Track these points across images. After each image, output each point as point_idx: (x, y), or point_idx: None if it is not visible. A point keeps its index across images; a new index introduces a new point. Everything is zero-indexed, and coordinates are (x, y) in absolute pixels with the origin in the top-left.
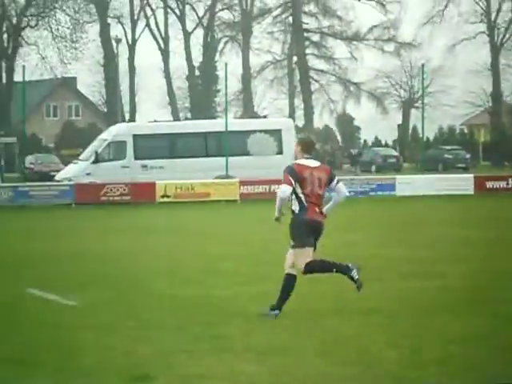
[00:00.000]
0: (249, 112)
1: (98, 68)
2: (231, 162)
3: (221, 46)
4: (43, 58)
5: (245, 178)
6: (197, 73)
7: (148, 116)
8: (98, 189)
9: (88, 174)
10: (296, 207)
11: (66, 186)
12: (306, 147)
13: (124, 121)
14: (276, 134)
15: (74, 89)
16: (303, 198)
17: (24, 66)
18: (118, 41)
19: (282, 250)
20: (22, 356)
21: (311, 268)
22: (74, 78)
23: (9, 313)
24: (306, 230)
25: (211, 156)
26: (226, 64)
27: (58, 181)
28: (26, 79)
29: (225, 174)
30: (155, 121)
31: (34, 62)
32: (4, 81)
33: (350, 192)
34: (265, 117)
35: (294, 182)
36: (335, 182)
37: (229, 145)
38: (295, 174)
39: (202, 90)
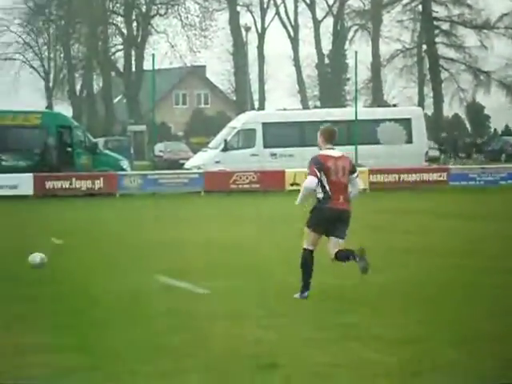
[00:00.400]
0: (378, 101)
1: (227, 56)
2: (360, 151)
3: (350, 34)
4: (172, 47)
5: (374, 167)
6: (326, 61)
7: (277, 104)
8: (228, 177)
9: (217, 162)
10: (321, 195)
11: (195, 174)
12: (328, 137)
13: (253, 109)
14: (405, 122)
15: (203, 77)
16: (328, 188)
17: (154, 55)
18: (248, 29)
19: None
20: (151, 341)
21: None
22: (204, 67)
23: (138, 300)
24: (323, 218)
25: (340, 144)
26: (355, 52)
27: (188, 169)
28: (156, 67)
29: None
30: (284, 109)
31: (164, 50)
32: (134, 69)
33: (480, 181)
34: (394, 105)
35: (319, 173)
36: (355, 174)
37: (358, 133)
38: (320, 165)
39: (331, 79)
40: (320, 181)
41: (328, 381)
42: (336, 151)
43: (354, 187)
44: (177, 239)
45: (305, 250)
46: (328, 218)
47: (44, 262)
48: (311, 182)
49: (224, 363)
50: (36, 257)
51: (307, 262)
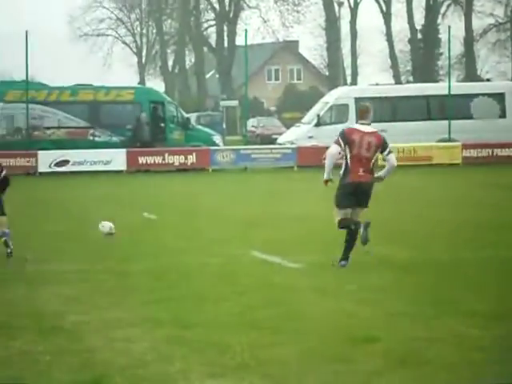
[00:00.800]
0: (471, 75)
1: (320, 31)
2: (453, 126)
3: (443, 9)
4: (265, 22)
5: (467, 142)
6: (419, 36)
7: (369, 79)
8: (320, 152)
9: (310, 137)
10: (342, 171)
11: (288, 150)
12: (361, 113)
13: (346, 84)
14: (499, 97)
15: (296, 52)
16: (349, 161)
17: (246, 30)
18: (340, 4)
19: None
20: (241, 317)
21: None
22: (296, 42)
23: (232, 274)
24: (345, 193)
25: (433, 119)
26: (449, 27)
27: (281, 144)
28: (248, 43)
29: (447, 138)
30: (377, 84)
31: (256, 25)
32: (226, 44)
33: None
34: (488, 80)
35: (343, 144)
36: (387, 151)
37: (451, 108)
38: (344, 137)
39: (424, 54)
40: (345, 155)
41: (425, 355)
42: (368, 127)
43: (388, 163)
44: (270, 214)
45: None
46: (350, 193)
47: (113, 232)
48: (333, 148)
49: (318, 337)
50: (106, 226)
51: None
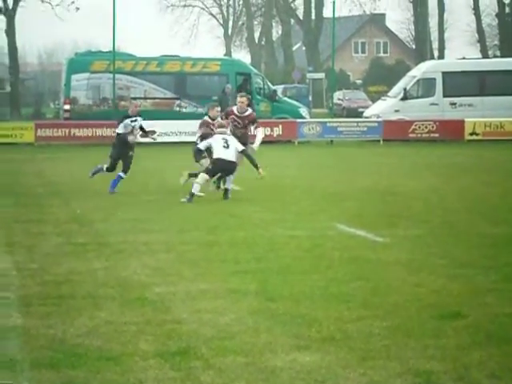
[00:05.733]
0: None
1: (407, 4)
2: None
3: None
4: None
5: None
6: (507, 10)
7: (457, 53)
8: (407, 126)
9: (396, 111)
10: None
11: (374, 123)
12: None
13: (432, 58)
14: None
15: (383, 25)
16: None
17: (334, 2)
18: None
19: None
20: (328, 290)
21: None
22: (383, 15)
23: (318, 248)
24: None
25: None
26: None
27: (367, 117)
28: (335, 15)
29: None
30: (464, 58)
31: None
32: (313, 17)
33: None
34: None
35: None
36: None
37: None
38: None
39: (511, 28)
40: None
41: (509, 331)
42: None
43: None
44: (356, 187)
45: None
46: None
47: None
48: None
49: (405, 312)
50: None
51: None
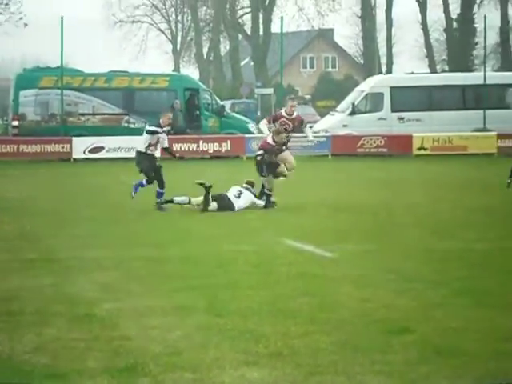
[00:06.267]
0: (507, 65)
1: (355, 20)
2: (489, 115)
3: None
4: (300, 10)
5: (503, 132)
6: (454, 25)
7: (405, 68)
8: (355, 140)
9: (345, 126)
10: None
11: (322, 138)
12: None
13: (381, 73)
14: None
15: (331, 40)
16: None
17: (282, 17)
18: None
19: None
20: (276, 306)
21: None
22: (332, 30)
23: (265, 263)
24: None
25: (469, 109)
26: (484, 16)
27: (315, 132)
28: (283, 31)
29: (482, 127)
30: (412, 73)
31: (291, 13)
32: (261, 32)
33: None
34: None
35: None
36: None
37: (486, 98)
38: None
39: (459, 43)
40: None
41: (460, 346)
42: None
43: None
44: (304, 202)
45: None
46: None
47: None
48: None
49: (352, 327)
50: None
51: None
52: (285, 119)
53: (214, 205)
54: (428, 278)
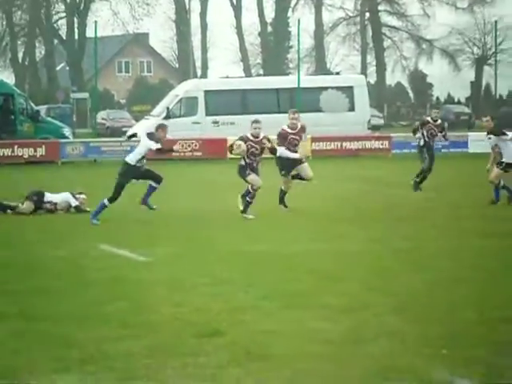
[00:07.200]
0: (321, 69)
1: (170, 24)
2: (303, 119)
3: (293, 2)
4: (115, 14)
5: (316, 135)
6: (269, 29)
7: (220, 72)
8: (170, 145)
9: None
10: None
11: (137, 142)
12: None
13: (196, 77)
14: (348, 90)
15: (146, 45)
16: None
17: (96, 22)
18: None
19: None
20: (88, 311)
21: None
22: (147, 34)
23: (79, 268)
24: None
25: (283, 112)
26: (298, 20)
27: (129, 137)
28: (98, 35)
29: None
30: (227, 77)
31: (106, 17)
32: (76, 37)
33: None
34: (337, 73)
35: None
36: None
37: (301, 101)
38: None
39: (274, 47)
40: None
41: (270, 349)
42: None
43: None
44: (118, 207)
45: None
46: None
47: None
48: None
49: (165, 331)
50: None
51: None
52: (292, 136)
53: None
54: (239, 281)
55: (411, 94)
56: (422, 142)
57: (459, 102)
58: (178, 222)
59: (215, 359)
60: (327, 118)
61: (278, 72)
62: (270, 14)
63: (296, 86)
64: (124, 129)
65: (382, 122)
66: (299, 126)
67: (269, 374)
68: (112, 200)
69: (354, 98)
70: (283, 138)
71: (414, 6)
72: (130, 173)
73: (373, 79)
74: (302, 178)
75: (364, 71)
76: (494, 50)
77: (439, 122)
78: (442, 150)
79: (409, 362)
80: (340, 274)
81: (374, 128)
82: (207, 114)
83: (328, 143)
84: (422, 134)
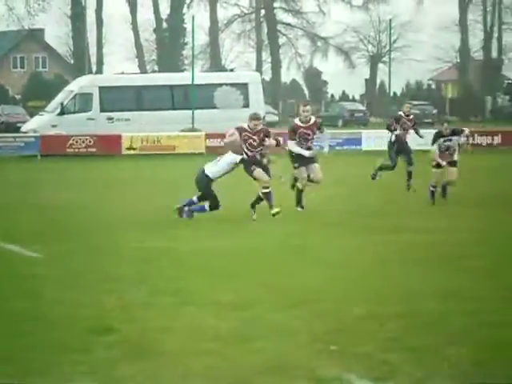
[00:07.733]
0: (216, 65)
1: (66, 20)
2: (197, 115)
3: None
4: (10, 9)
5: (211, 131)
6: (164, 25)
7: (115, 68)
8: (64, 140)
9: (54, 126)
10: None
11: (31, 138)
12: None
13: (91, 73)
14: (243, 87)
15: (42, 40)
16: None
17: None
18: None
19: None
20: None
21: None
22: (42, 30)
23: None
24: None
25: (177, 109)
26: (193, 17)
27: (24, 132)
28: None
29: (191, 127)
30: (122, 73)
31: (1, 12)
32: None
33: (316, 147)
34: (232, 70)
35: None
36: None
37: (195, 98)
38: None
39: (169, 43)
40: None
41: (161, 345)
42: None
43: None
44: (12, 203)
45: None
46: None
47: None
48: None
49: (58, 327)
50: None
51: None
52: (303, 130)
53: None
54: (133, 278)
55: (306, 91)
56: (393, 138)
57: (354, 100)
58: (70, 218)
59: (107, 355)
60: (222, 115)
61: (173, 68)
62: (165, 10)
63: (190, 82)
64: (19, 124)
65: (276, 118)
66: (312, 120)
67: (161, 370)
68: (213, 207)
69: (248, 95)
70: (293, 131)
71: (309, 3)
72: (210, 186)
73: (268, 76)
74: (310, 180)
75: (259, 68)
76: (388, 47)
77: (411, 116)
78: (336, 148)
79: (297, 358)
80: (234, 271)
81: (269, 125)
82: (102, 110)
83: (222, 139)
84: (395, 129)
